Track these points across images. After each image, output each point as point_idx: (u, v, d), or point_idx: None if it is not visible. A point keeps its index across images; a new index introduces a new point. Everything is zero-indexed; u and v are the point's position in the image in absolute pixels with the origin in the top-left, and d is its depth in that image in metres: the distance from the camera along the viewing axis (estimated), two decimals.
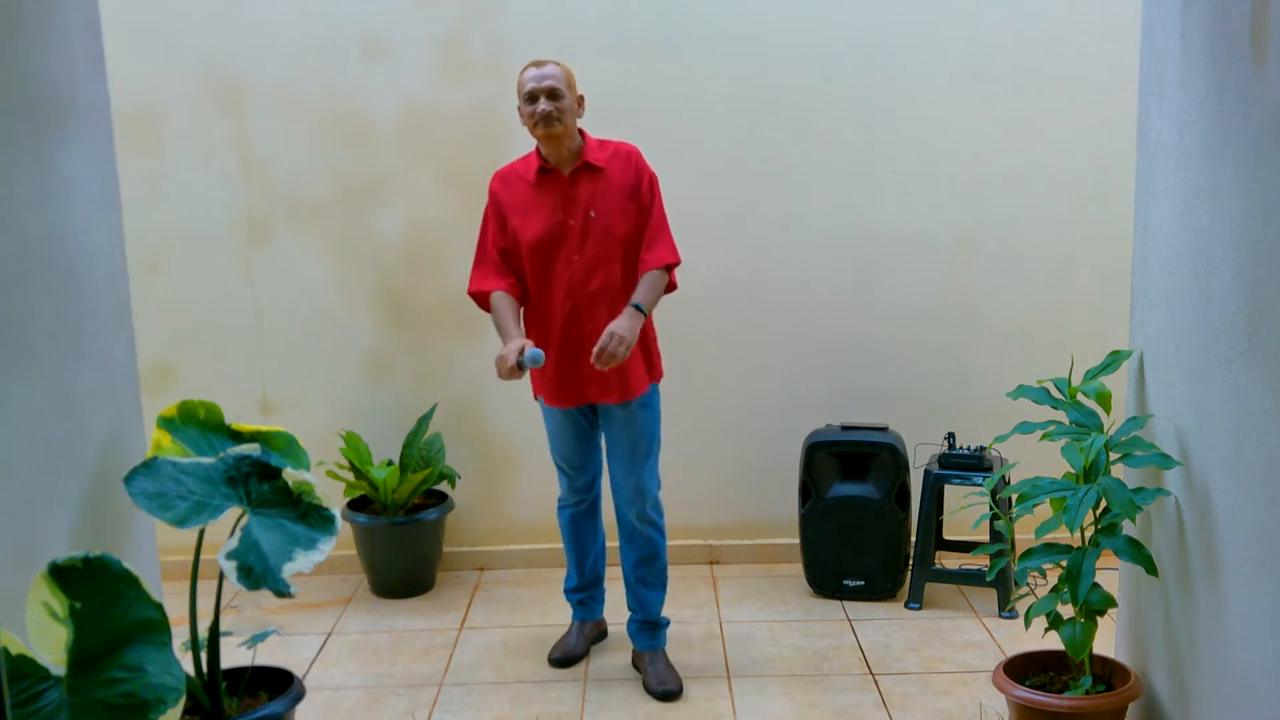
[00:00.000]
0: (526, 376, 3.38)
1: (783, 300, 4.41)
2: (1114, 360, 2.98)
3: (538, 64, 3.29)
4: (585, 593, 3.70)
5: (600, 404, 3.39)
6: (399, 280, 4.40)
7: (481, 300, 3.40)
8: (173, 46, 4.25)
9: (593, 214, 3.30)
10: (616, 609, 3.85)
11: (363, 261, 4.39)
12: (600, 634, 3.75)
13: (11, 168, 2.26)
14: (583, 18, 4.26)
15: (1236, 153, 2.38)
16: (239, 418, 2.93)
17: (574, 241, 3.30)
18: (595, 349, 3.18)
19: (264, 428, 2.81)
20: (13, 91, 2.27)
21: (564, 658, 3.59)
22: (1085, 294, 4.35)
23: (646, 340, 3.41)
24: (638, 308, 3.27)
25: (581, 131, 3.36)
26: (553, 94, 3.24)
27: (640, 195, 3.35)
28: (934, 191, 4.34)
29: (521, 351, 3.16)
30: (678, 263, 3.39)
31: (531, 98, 3.25)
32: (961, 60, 4.28)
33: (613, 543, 3.83)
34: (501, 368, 3.17)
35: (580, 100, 3.34)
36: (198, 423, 2.73)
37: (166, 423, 2.68)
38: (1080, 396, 2.98)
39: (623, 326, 3.21)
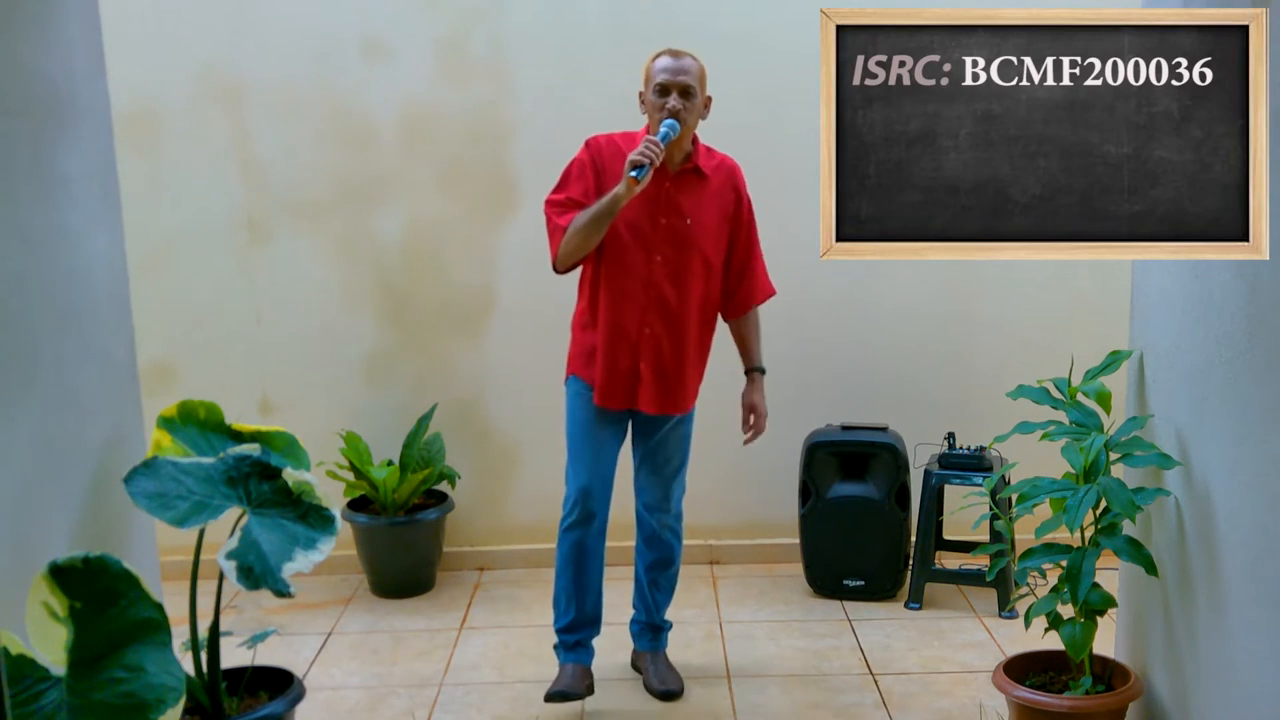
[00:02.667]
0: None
1: (782, 300, 4.39)
2: (1114, 360, 2.98)
3: (675, 55, 3.12)
4: (582, 632, 3.38)
5: (645, 414, 3.28)
6: (399, 280, 4.40)
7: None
8: (173, 46, 4.25)
9: (689, 221, 3.20)
10: (617, 609, 3.85)
11: (363, 261, 4.39)
12: (589, 687, 3.36)
13: (11, 168, 2.26)
14: (583, 19, 4.26)
15: None
16: (239, 418, 2.92)
17: (661, 243, 3.18)
18: (750, 435, 3.41)
19: (264, 428, 2.81)
20: (13, 91, 2.27)
21: (564, 692, 3.26)
22: (1085, 294, 4.35)
23: (703, 360, 3.36)
24: (763, 371, 3.44)
25: (694, 136, 3.21)
26: (686, 91, 3.08)
27: (739, 218, 3.29)
28: None
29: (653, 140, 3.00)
30: (774, 294, 3.44)
31: (663, 90, 3.08)
32: None
33: (626, 542, 3.81)
34: (649, 152, 2.96)
35: (708, 101, 3.19)
36: (198, 423, 2.73)
37: (166, 423, 2.67)
38: (1080, 396, 2.98)
39: (763, 400, 3.42)
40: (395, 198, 4.36)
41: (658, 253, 3.19)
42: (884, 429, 4.13)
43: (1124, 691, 2.82)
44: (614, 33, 4.26)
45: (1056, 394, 3.00)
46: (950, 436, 4.11)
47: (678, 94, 3.08)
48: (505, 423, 4.46)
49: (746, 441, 3.44)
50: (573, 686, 3.28)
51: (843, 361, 4.42)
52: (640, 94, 3.19)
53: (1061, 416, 3.05)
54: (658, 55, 3.15)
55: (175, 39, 4.25)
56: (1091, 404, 2.97)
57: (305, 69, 4.28)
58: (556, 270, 3.21)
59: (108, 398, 2.64)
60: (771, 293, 3.44)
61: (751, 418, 3.40)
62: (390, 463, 4.25)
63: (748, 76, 4.30)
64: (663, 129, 3.04)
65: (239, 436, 2.76)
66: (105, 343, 2.64)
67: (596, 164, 3.18)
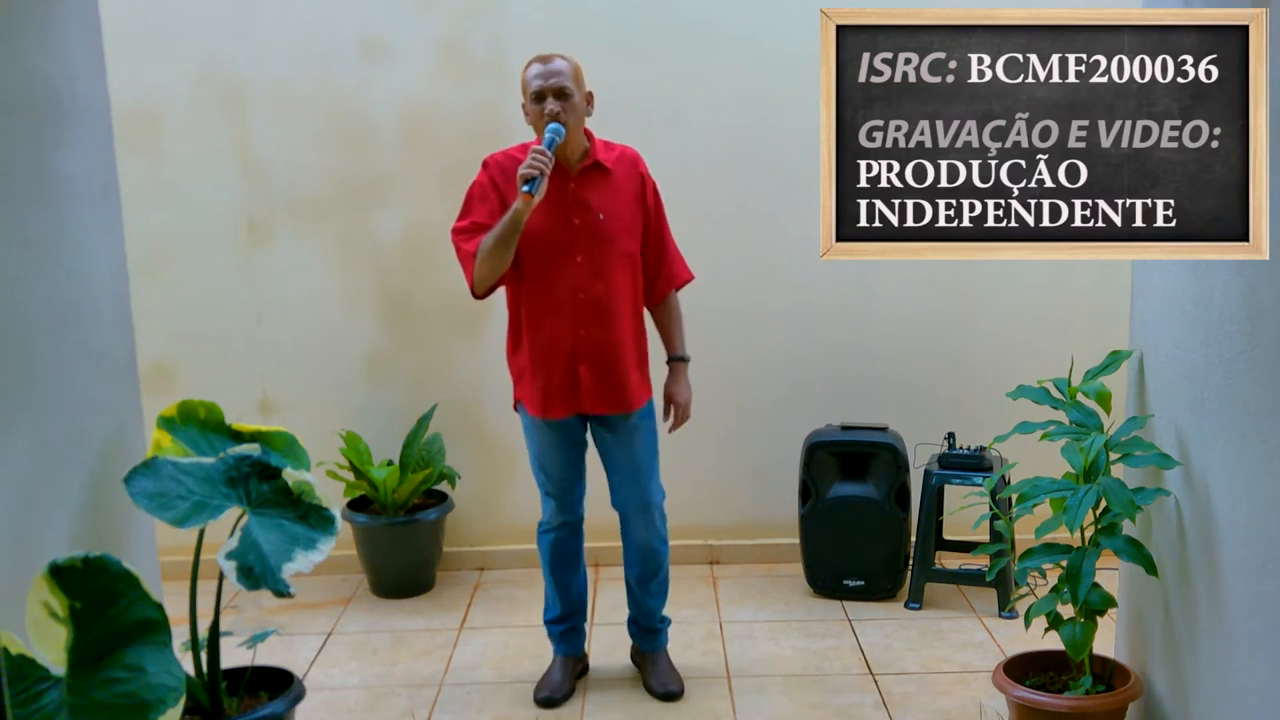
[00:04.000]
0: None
1: (783, 300, 4.41)
2: (1114, 360, 2.98)
3: (543, 59, 3.12)
4: (568, 623, 3.47)
5: (597, 416, 3.26)
6: (399, 280, 4.40)
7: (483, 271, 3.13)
8: (173, 46, 4.25)
9: (601, 216, 3.19)
10: (618, 609, 3.86)
11: (363, 261, 4.39)
12: (583, 669, 3.55)
13: (11, 167, 2.26)
14: (582, 18, 4.26)
15: None
16: (239, 418, 2.93)
17: (580, 243, 3.16)
18: (672, 423, 3.38)
19: (264, 428, 2.80)
20: (12, 91, 2.27)
21: (550, 697, 3.36)
22: (1085, 294, 4.35)
23: (643, 352, 3.32)
24: (685, 359, 3.41)
25: (587, 132, 3.22)
26: (560, 93, 3.08)
27: (645, 203, 3.29)
28: None
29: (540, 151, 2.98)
30: (692, 279, 3.42)
31: (539, 97, 3.09)
32: None
33: (613, 542, 3.81)
34: (536, 164, 2.95)
35: (589, 97, 3.19)
36: (198, 423, 2.73)
37: (166, 423, 2.67)
38: (1080, 396, 2.98)
39: (686, 390, 3.39)
40: (395, 198, 4.36)
41: (578, 253, 3.17)
42: (884, 429, 4.13)
43: (1124, 691, 2.82)
44: (614, 33, 4.26)
45: (1056, 394, 3.00)
46: (950, 436, 4.11)
47: (553, 97, 3.08)
48: (505, 423, 4.45)
49: (670, 430, 3.41)
50: (557, 689, 3.39)
51: (843, 361, 4.42)
52: (522, 106, 3.18)
53: (1061, 416, 3.05)
54: (528, 64, 3.14)
55: (175, 39, 4.25)
56: (1091, 404, 2.97)
57: (305, 69, 4.28)
58: (476, 296, 3.20)
59: (108, 398, 2.64)
60: (689, 277, 3.41)
61: (672, 409, 3.39)
62: (390, 463, 4.25)
63: (747, 76, 4.30)
64: (547, 135, 3.04)
65: (239, 436, 2.76)
66: (105, 343, 2.64)
67: (497, 183, 3.18)
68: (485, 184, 3.21)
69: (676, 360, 3.42)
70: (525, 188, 2.95)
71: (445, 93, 4.31)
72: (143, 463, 2.48)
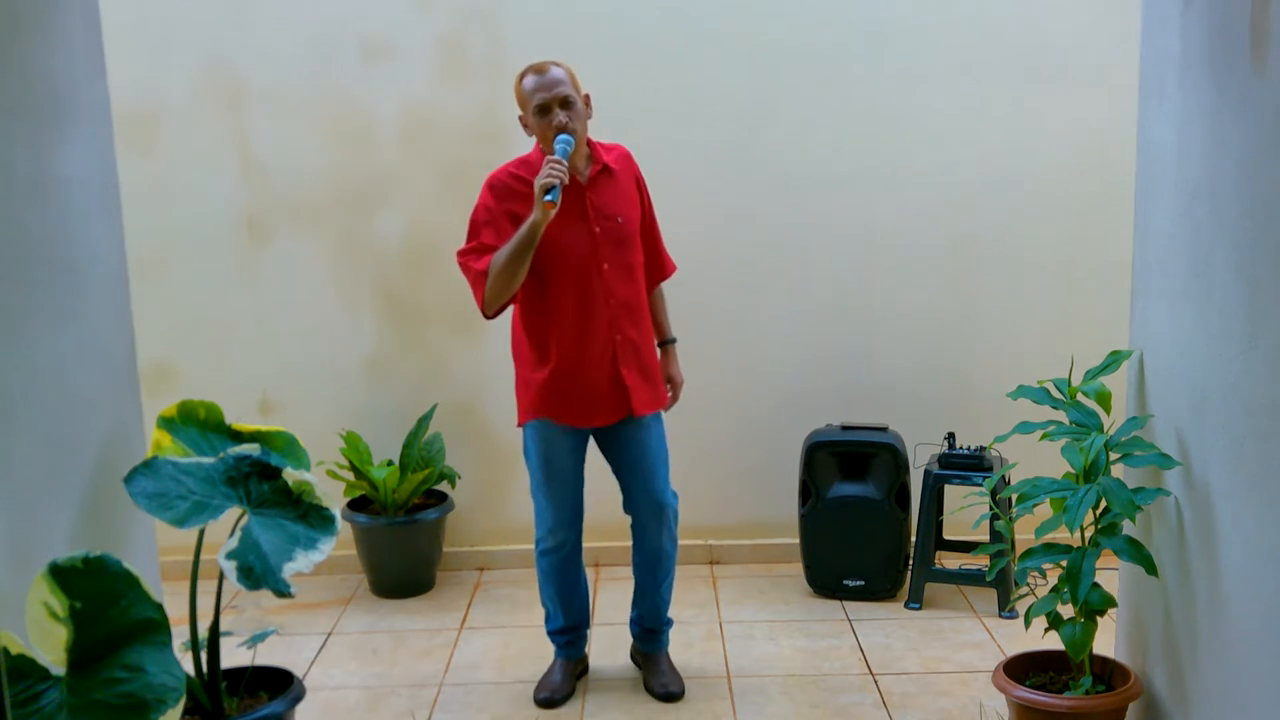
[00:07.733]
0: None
1: (783, 300, 4.41)
2: (1114, 360, 2.98)
3: (538, 70, 3.07)
4: (572, 634, 3.47)
5: (616, 421, 3.24)
6: (399, 281, 4.40)
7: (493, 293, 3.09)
8: (173, 46, 4.25)
9: (620, 220, 3.19)
10: (619, 608, 3.85)
11: (363, 262, 4.39)
12: (583, 669, 3.56)
13: (11, 168, 2.26)
14: (583, 18, 4.26)
15: (1236, 153, 2.38)
16: (239, 418, 2.93)
17: (604, 250, 3.15)
18: (669, 402, 3.42)
19: (264, 428, 2.81)
20: (13, 91, 2.27)
21: (550, 698, 3.36)
22: (1085, 294, 4.35)
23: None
24: (675, 340, 3.49)
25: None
26: (565, 102, 3.04)
27: (644, 200, 3.33)
28: (934, 191, 4.34)
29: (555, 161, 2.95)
30: (676, 269, 3.50)
31: (544, 110, 3.04)
32: (961, 61, 4.28)
33: (622, 542, 3.81)
34: (555, 173, 2.91)
35: (587, 99, 3.16)
36: (198, 423, 2.73)
37: (166, 423, 2.68)
38: (1080, 396, 2.98)
39: (679, 369, 3.48)
40: (395, 198, 4.36)
41: (604, 260, 3.16)
42: (884, 429, 4.13)
43: (1124, 691, 2.82)
44: (614, 33, 4.26)
45: (1056, 394, 3.00)
46: (950, 436, 4.11)
47: (559, 107, 3.05)
48: (505, 423, 4.43)
49: (666, 408, 3.43)
50: (558, 690, 3.39)
51: (843, 362, 4.42)
52: (520, 118, 3.14)
53: (1061, 416, 3.05)
54: (523, 76, 3.09)
55: (175, 39, 4.25)
56: (1091, 404, 2.97)
57: (305, 69, 4.28)
58: (486, 316, 3.15)
59: (108, 398, 2.64)
60: (675, 268, 3.47)
61: (669, 388, 3.46)
62: (390, 463, 4.25)
63: (747, 77, 4.30)
64: (559, 146, 3.01)
65: (239, 436, 2.77)
66: (105, 343, 2.64)
67: (503, 204, 3.13)
68: (491, 207, 3.15)
69: (670, 343, 3.48)
70: (547, 196, 2.92)
71: (445, 93, 4.31)
72: (143, 463, 2.48)
